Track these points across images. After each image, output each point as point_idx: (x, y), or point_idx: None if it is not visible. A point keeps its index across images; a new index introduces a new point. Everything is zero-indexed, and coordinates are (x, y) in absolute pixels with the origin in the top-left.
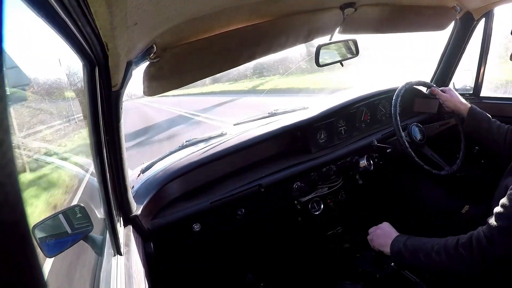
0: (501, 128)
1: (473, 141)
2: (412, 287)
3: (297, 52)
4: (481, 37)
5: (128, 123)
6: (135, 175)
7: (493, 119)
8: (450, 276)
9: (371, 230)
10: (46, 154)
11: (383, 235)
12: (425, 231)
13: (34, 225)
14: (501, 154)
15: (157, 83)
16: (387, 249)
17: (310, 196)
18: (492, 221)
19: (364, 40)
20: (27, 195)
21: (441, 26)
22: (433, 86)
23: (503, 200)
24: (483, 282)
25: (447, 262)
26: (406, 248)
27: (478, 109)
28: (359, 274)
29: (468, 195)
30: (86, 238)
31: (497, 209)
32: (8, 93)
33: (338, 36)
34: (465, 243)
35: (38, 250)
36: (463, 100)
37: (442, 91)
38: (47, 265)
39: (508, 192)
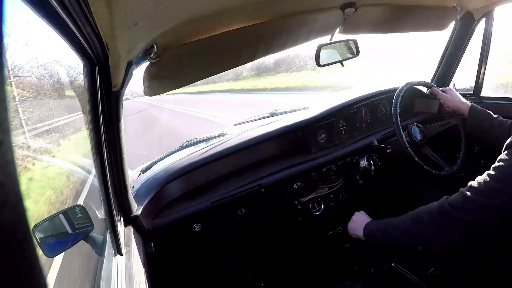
0: (503, 124)
1: (475, 140)
2: (411, 287)
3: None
4: (482, 37)
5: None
6: (135, 175)
7: (495, 116)
8: (419, 245)
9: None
10: (46, 154)
11: (357, 222)
12: None
13: (35, 225)
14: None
15: (158, 83)
16: (361, 234)
17: (310, 196)
18: (462, 190)
19: (367, 40)
20: (27, 195)
21: (441, 26)
22: (434, 86)
23: (480, 177)
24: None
25: (413, 228)
26: (378, 228)
27: (479, 107)
28: (359, 274)
29: None
30: (87, 238)
31: (472, 182)
32: (8, 93)
33: (338, 36)
34: (427, 208)
35: (39, 250)
36: (464, 100)
37: (442, 91)
38: (47, 265)
39: (487, 171)
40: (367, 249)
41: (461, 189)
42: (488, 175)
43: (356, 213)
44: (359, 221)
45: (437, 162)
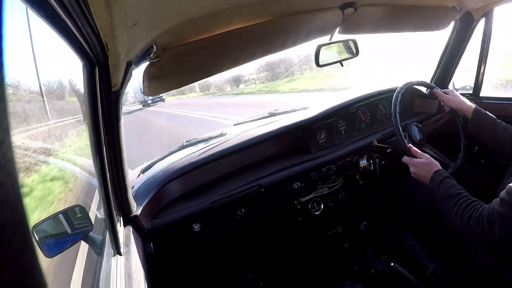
0: (506, 129)
1: (475, 141)
2: (411, 287)
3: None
4: (481, 37)
5: None
6: (135, 175)
7: (498, 120)
8: (453, 260)
9: (407, 161)
10: (45, 154)
11: (428, 164)
12: (426, 230)
13: (34, 225)
14: (507, 155)
15: (157, 83)
16: (428, 177)
17: (310, 196)
18: (495, 204)
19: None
20: (27, 195)
21: (441, 26)
22: (435, 87)
23: (510, 187)
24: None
25: (460, 226)
26: (438, 189)
27: (483, 110)
28: (359, 274)
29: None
30: (86, 238)
31: (502, 194)
32: (7, 93)
33: (338, 36)
34: (476, 218)
35: (38, 250)
36: (467, 101)
37: (444, 93)
38: (47, 265)
39: None
40: (367, 249)
41: (494, 202)
42: None
43: (425, 158)
44: (430, 165)
45: (441, 159)
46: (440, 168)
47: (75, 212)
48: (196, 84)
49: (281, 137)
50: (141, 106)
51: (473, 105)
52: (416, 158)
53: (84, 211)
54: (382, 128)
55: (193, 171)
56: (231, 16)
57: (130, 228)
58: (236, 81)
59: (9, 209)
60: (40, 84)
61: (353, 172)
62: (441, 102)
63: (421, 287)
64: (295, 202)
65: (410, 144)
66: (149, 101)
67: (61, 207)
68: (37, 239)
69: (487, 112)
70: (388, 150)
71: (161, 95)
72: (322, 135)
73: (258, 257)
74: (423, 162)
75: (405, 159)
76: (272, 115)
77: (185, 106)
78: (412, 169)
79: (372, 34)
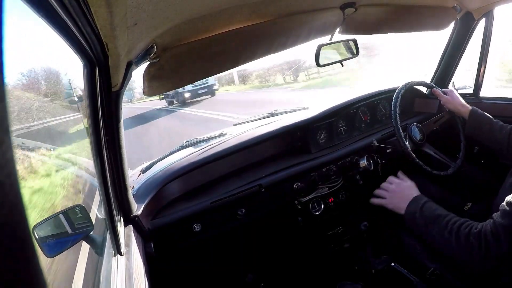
0: (503, 129)
1: (476, 142)
2: (411, 287)
3: None
4: (481, 37)
5: None
6: (135, 175)
7: (495, 120)
8: (453, 260)
9: (384, 185)
10: (45, 154)
11: (401, 193)
12: None
13: (35, 225)
14: (505, 155)
15: (158, 83)
16: (401, 211)
17: (310, 196)
18: (497, 217)
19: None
20: (27, 195)
21: (441, 26)
22: (435, 87)
23: (509, 198)
24: (485, 280)
25: (456, 247)
26: (422, 214)
27: (480, 111)
28: (359, 274)
29: (468, 194)
30: (87, 238)
31: (503, 206)
32: (7, 93)
33: (338, 36)
34: (476, 234)
35: (39, 250)
36: (464, 103)
37: (443, 93)
38: (47, 265)
39: None
40: (367, 249)
41: (495, 215)
42: None
43: (403, 179)
44: (406, 191)
45: (441, 159)
46: (419, 194)
47: (75, 212)
48: (234, 72)
49: (281, 137)
50: (165, 104)
51: (469, 107)
52: (391, 184)
53: (84, 211)
54: (382, 128)
55: (194, 171)
56: (232, 16)
57: (130, 228)
58: (295, 69)
59: (9, 209)
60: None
61: (353, 172)
62: (441, 102)
63: (422, 287)
64: (296, 202)
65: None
66: (186, 95)
67: (62, 207)
68: (38, 239)
69: (484, 112)
70: (388, 150)
71: (210, 83)
72: (322, 135)
73: (259, 257)
74: (408, 185)
75: (390, 178)
76: (272, 115)
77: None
78: (391, 189)
79: (372, 34)
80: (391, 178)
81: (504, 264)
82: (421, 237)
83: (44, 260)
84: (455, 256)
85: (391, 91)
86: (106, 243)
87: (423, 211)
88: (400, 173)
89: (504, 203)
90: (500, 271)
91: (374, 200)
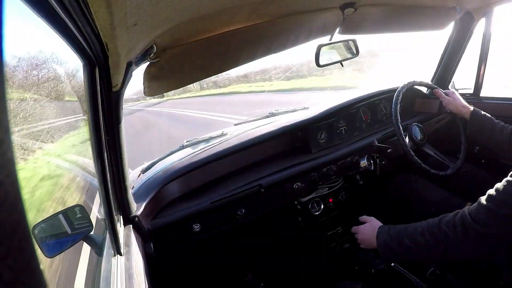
0: (504, 129)
1: (477, 142)
2: (411, 287)
3: None
4: (481, 37)
5: None
6: (135, 175)
7: (496, 121)
8: (439, 258)
9: (353, 229)
10: (46, 154)
11: (367, 231)
12: None
13: (34, 225)
14: (505, 155)
15: (157, 83)
16: (374, 244)
17: (310, 196)
18: (482, 201)
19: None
20: (27, 195)
21: (441, 26)
22: (436, 88)
23: (498, 185)
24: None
25: (432, 241)
26: (391, 237)
27: (481, 111)
28: (359, 274)
29: (468, 194)
30: (86, 238)
31: (491, 191)
32: (8, 93)
33: (338, 36)
34: (448, 221)
35: (38, 250)
36: (466, 104)
37: (445, 93)
38: (47, 265)
39: (506, 178)
40: (367, 249)
41: (481, 199)
42: (508, 182)
43: (363, 223)
44: (368, 230)
45: (441, 159)
46: (382, 224)
47: (75, 212)
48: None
49: (282, 137)
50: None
51: (471, 108)
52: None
53: (84, 211)
54: (382, 128)
55: (194, 171)
56: (231, 16)
57: (130, 228)
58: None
59: (9, 209)
60: (40, 84)
61: (354, 172)
62: (442, 103)
63: (421, 287)
64: (296, 202)
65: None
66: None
67: (61, 207)
68: (37, 239)
69: (485, 113)
70: (388, 150)
71: None
72: (322, 135)
73: (258, 257)
74: (369, 225)
75: (353, 229)
76: (272, 115)
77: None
78: (359, 236)
79: (372, 34)
80: (354, 228)
81: (489, 247)
82: (407, 259)
83: (44, 260)
84: (437, 252)
85: (391, 91)
86: (106, 243)
87: (391, 235)
88: (360, 218)
89: (492, 189)
90: (499, 269)
91: (354, 228)
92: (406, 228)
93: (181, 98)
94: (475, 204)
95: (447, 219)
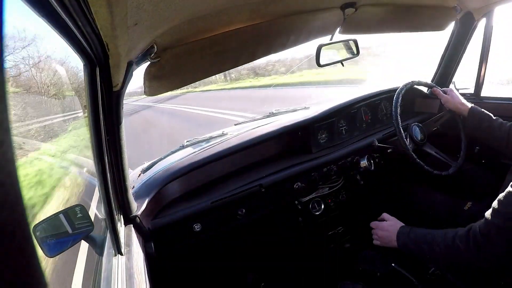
0: (503, 127)
1: (475, 141)
2: (411, 287)
3: None
4: (482, 37)
5: None
6: (135, 175)
7: (495, 118)
8: (453, 269)
9: (374, 224)
10: (46, 154)
11: (389, 230)
12: (428, 227)
13: (35, 225)
14: (504, 153)
15: (158, 83)
16: (394, 244)
17: (310, 196)
18: (488, 216)
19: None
20: (28, 195)
21: (441, 26)
22: (435, 87)
23: (501, 197)
24: (485, 280)
25: (446, 252)
26: (410, 240)
27: (479, 108)
28: (359, 274)
29: (469, 194)
30: (87, 238)
31: (495, 204)
32: (8, 92)
33: (338, 36)
34: (462, 236)
35: (39, 250)
36: (464, 101)
37: (443, 91)
38: (48, 265)
39: (507, 189)
40: (367, 248)
41: (487, 215)
42: (509, 193)
43: (386, 221)
44: (390, 228)
45: (442, 158)
46: (403, 224)
47: (75, 212)
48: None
49: (282, 137)
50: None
51: (469, 105)
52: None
53: (84, 211)
54: (383, 128)
55: (194, 171)
56: (232, 16)
57: (131, 228)
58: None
59: (9, 209)
60: (41, 84)
61: (354, 172)
62: (441, 101)
63: (422, 287)
64: (296, 202)
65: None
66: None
67: (62, 206)
68: (38, 239)
69: (483, 110)
70: (389, 150)
71: None
72: (323, 135)
73: (259, 257)
74: (390, 223)
75: (373, 224)
76: (272, 115)
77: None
78: (379, 233)
79: (373, 34)
80: (374, 223)
81: (501, 264)
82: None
83: (44, 260)
84: (449, 263)
85: (392, 91)
86: (106, 243)
87: (410, 238)
88: (383, 215)
89: (496, 201)
90: (500, 272)
91: (374, 242)
92: (425, 236)
93: (203, 91)
94: (483, 220)
95: (461, 233)
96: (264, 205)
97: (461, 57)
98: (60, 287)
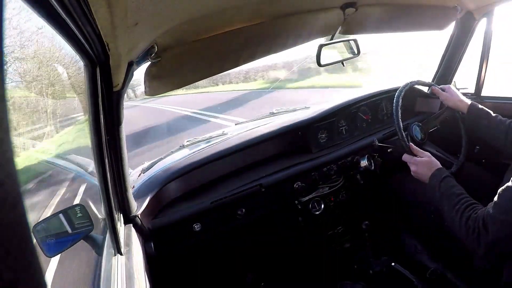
0: (502, 124)
1: (474, 138)
2: (411, 287)
3: None
4: (482, 36)
5: None
6: (136, 174)
7: (494, 115)
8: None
9: (407, 158)
10: (46, 153)
11: (425, 164)
12: (427, 230)
13: (35, 225)
14: (502, 150)
15: (158, 83)
16: (426, 178)
17: (310, 196)
18: (489, 207)
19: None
20: (27, 194)
21: (441, 26)
22: (433, 85)
23: (500, 190)
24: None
25: (458, 227)
26: (439, 187)
27: (478, 105)
28: (359, 274)
29: (469, 193)
30: (87, 237)
31: (496, 197)
32: (8, 93)
33: (339, 36)
34: (474, 219)
35: (39, 250)
36: (463, 98)
37: (442, 89)
38: (47, 264)
39: (507, 184)
40: (367, 249)
41: (489, 205)
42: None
43: (426, 156)
44: (427, 165)
45: (444, 157)
46: (441, 167)
47: (75, 211)
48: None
49: (282, 136)
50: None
51: (468, 101)
52: (416, 156)
53: (84, 210)
54: (383, 128)
55: (194, 170)
56: (232, 16)
57: (130, 228)
58: None
59: (9, 209)
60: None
61: (354, 172)
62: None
63: (422, 287)
64: (296, 202)
65: (411, 143)
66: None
67: (62, 206)
68: (38, 238)
69: (483, 107)
70: (389, 150)
71: None
72: (323, 135)
73: (259, 257)
74: (425, 161)
75: (405, 157)
76: (273, 114)
77: None
78: (413, 168)
79: (373, 34)
80: (410, 158)
81: (491, 254)
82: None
83: (44, 260)
84: (457, 235)
85: (392, 91)
86: (106, 242)
87: (440, 186)
88: (416, 151)
89: (496, 196)
90: (500, 269)
91: (405, 157)
92: (452, 194)
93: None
94: (486, 210)
95: (475, 216)
96: (264, 205)
97: (461, 57)
98: (60, 287)
